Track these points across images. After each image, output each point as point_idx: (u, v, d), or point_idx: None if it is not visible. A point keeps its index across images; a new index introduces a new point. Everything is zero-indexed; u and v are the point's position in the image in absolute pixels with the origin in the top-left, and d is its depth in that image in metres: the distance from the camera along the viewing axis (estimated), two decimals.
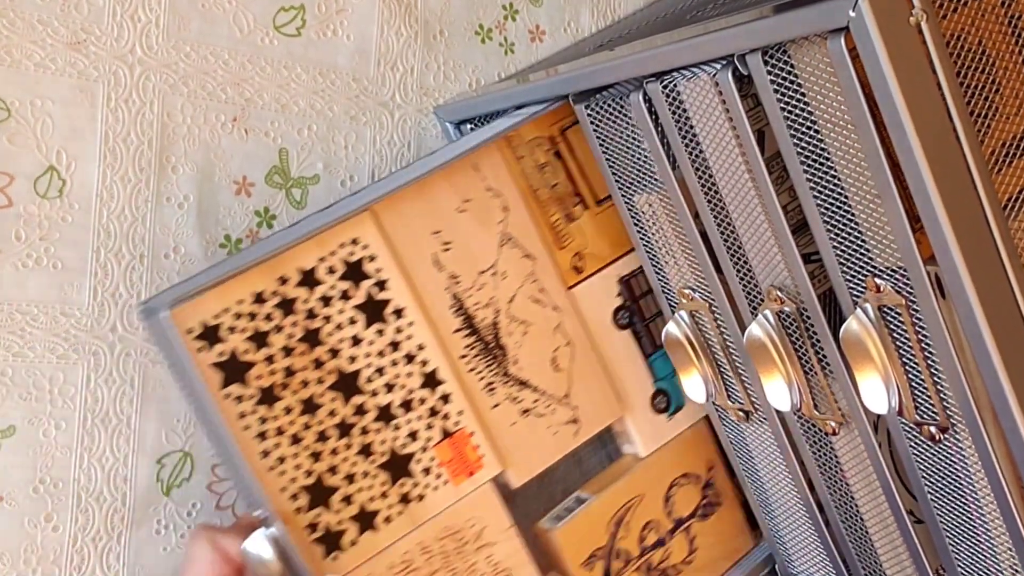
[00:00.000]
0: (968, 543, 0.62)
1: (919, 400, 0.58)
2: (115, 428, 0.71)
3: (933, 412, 0.58)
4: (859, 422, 0.64)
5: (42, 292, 0.69)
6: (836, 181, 0.56)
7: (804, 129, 0.55)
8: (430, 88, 0.84)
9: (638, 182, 0.69)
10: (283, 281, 0.65)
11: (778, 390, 0.65)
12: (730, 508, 0.80)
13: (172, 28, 0.73)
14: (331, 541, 0.65)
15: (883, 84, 0.48)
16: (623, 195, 0.71)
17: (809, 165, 0.56)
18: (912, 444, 0.61)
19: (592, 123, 0.69)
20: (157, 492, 0.73)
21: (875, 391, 0.59)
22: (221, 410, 0.62)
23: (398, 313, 0.68)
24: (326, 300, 0.66)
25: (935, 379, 0.57)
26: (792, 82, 0.54)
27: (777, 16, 0.53)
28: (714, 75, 0.58)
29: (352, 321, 0.66)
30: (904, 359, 0.58)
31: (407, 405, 0.67)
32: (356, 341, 0.66)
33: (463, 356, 0.70)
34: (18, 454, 0.68)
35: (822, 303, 0.61)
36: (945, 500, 0.62)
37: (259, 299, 0.64)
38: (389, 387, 0.67)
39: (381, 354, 0.67)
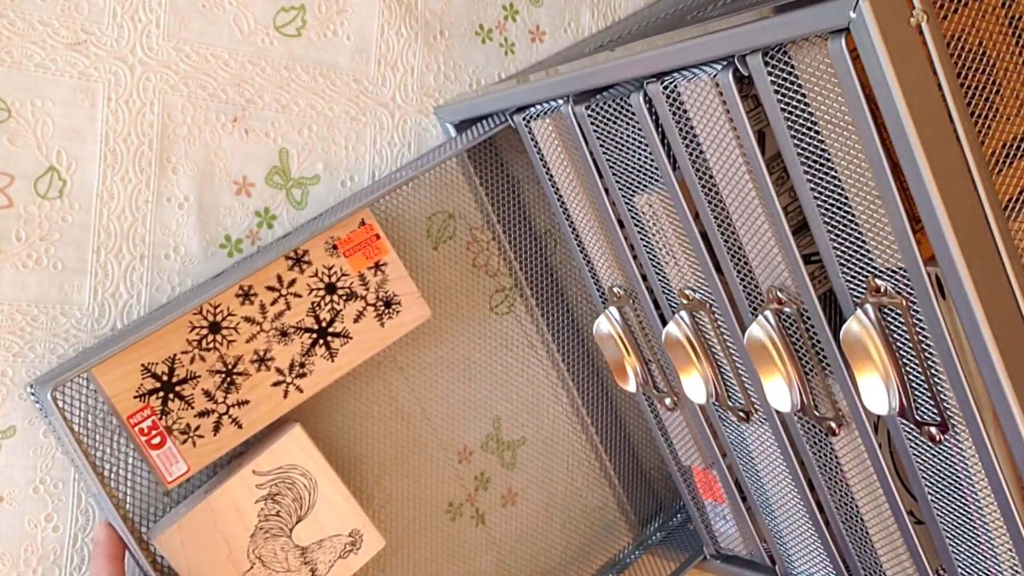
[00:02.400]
0: (968, 543, 0.62)
1: (919, 401, 0.58)
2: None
3: (933, 413, 0.58)
4: (859, 423, 0.64)
5: (42, 292, 0.69)
6: (836, 182, 0.56)
7: (805, 130, 0.55)
8: (430, 88, 0.84)
9: (638, 182, 0.69)
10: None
11: (778, 390, 0.65)
12: None
13: (172, 29, 0.73)
14: None
15: (884, 85, 0.48)
16: (623, 195, 0.71)
17: (810, 166, 0.56)
18: (912, 445, 0.61)
19: (592, 123, 0.69)
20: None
21: (875, 392, 0.59)
22: None
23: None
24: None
25: (935, 380, 0.57)
26: (793, 83, 0.54)
27: (778, 17, 0.53)
28: (715, 76, 0.58)
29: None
30: (904, 360, 0.58)
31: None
32: None
33: None
34: (18, 455, 0.68)
35: (822, 304, 0.61)
36: (945, 500, 0.62)
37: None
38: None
39: None
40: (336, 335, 0.75)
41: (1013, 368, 0.52)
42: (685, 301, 0.71)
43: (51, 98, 0.69)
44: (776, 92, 0.55)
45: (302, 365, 0.73)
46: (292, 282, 0.73)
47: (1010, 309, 0.52)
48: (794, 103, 0.55)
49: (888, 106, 0.49)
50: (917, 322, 0.56)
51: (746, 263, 0.65)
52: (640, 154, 0.68)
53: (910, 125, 0.49)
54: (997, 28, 0.56)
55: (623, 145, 0.69)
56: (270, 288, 0.73)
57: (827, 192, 0.56)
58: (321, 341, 0.74)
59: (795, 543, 0.77)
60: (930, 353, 0.56)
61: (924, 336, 0.56)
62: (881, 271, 0.56)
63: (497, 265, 0.88)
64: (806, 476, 0.72)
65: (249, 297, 0.72)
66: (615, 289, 0.78)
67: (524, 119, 0.76)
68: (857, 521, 0.70)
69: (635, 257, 0.74)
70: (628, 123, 0.67)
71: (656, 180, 0.68)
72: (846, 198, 0.56)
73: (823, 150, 0.55)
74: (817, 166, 0.56)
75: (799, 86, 0.54)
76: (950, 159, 0.50)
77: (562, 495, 0.91)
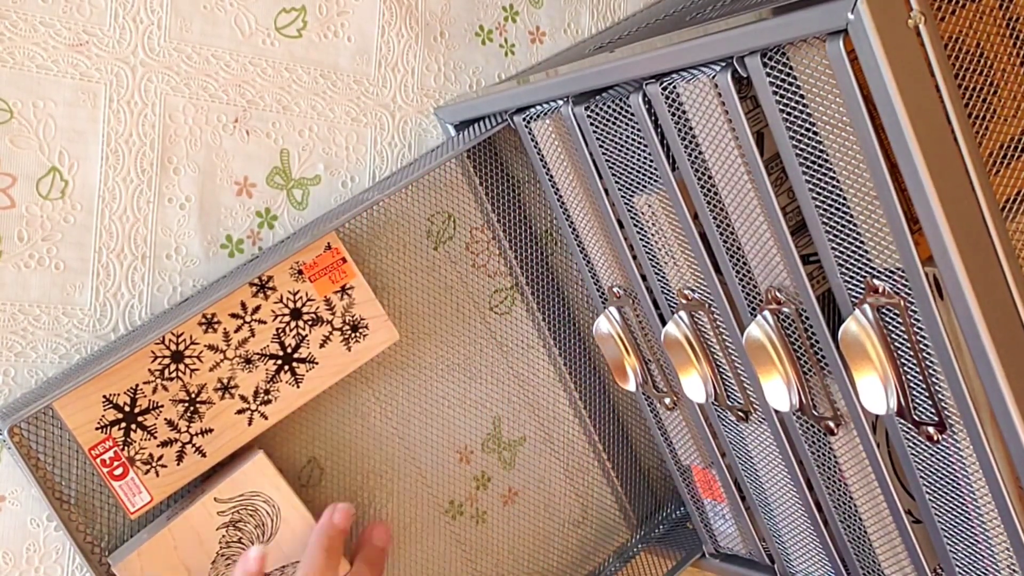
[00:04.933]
0: (966, 543, 0.62)
1: (917, 401, 0.59)
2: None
3: (931, 412, 0.58)
4: (857, 422, 0.64)
5: (44, 292, 0.69)
6: (835, 183, 0.56)
7: (803, 131, 0.56)
8: (431, 89, 0.85)
9: (637, 183, 0.69)
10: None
11: (777, 390, 0.66)
12: None
13: (174, 30, 0.73)
14: None
15: (881, 86, 0.48)
16: (623, 196, 0.71)
17: (808, 167, 0.56)
18: (910, 444, 0.61)
19: (592, 124, 0.70)
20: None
21: (873, 392, 0.59)
22: None
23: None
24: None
25: (933, 380, 0.57)
26: (791, 84, 0.55)
27: (776, 18, 0.53)
28: (713, 77, 0.59)
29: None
30: (902, 360, 0.58)
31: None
32: None
33: None
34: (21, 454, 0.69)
35: (821, 304, 0.62)
36: (943, 500, 0.62)
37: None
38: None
39: None
40: (301, 361, 0.74)
41: (1010, 368, 0.52)
42: (684, 301, 0.71)
43: (53, 99, 0.69)
44: (774, 93, 0.55)
45: (267, 392, 0.73)
46: (256, 308, 0.73)
47: (1008, 309, 0.53)
48: (792, 104, 0.55)
49: (886, 107, 0.49)
50: (915, 322, 0.56)
51: (745, 263, 0.65)
52: (639, 155, 0.68)
53: (908, 126, 0.49)
54: (995, 30, 0.57)
55: (622, 146, 0.69)
56: (234, 315, 0.72)
57: (825, 193, 0.56)
58: (286, 367, 0.74)
59: (794, 542, 0.77)
60: (928, 353, 0.56)
61: (922, 336, 0.56)
62: (879, 271, 0.56)
63: (497, 265, 0.88)
64: (804, 475, 0.72)
65: (212, 325, 0.72)
66: (615, 289, 0.78)
67: (524, 120, 0.77)
68: (855, 520, 0.70)
69: (634, 257, 0.74)
70: (627, 124, 0.67)
71: (655, 181, 0.68)
72: (844, 199, 0.56)
73: (821, 151, 0.55)
74: (815, 167, 0.56)
75: (797, 87, 0.54)
76: (948, 160, 0.50)
77: (562, 495, 0.92)
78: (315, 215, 0.79)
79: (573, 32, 0.93)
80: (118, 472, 0.68)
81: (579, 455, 0.93)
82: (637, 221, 0.71)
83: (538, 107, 0.75)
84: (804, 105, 0.55)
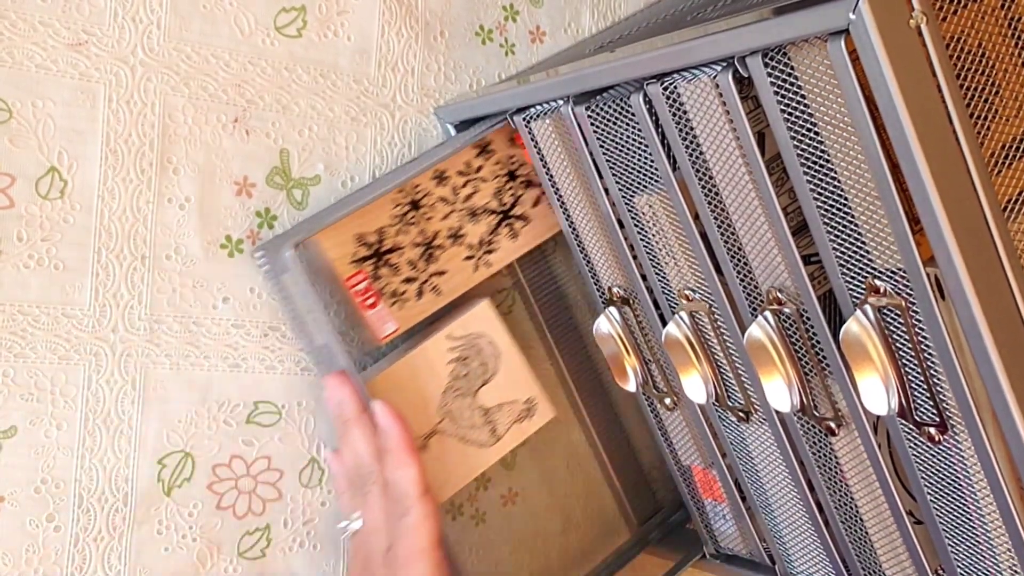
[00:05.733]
0: (967, 544, 0.62)
1: (918, 401, 0.58)
2: (116, 428, 0.71)
3: (932, 413, 0.58)
4: (859, 423, 0.64)
5: (44, 293, 0.69)
6: (836, 183, 0.56)
7: (804, 131, 0.55)
8: (431, 89, 0.84)
9: (638, 183, 0.69)
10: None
11: (778, 391, 0.65)
12: None
13: (173, 29, 0.73)
14: None
15: (883, 86, 0.48)
16: (623, 196, 0.71)
17: (809, 167, 0.56)
18: (911, 445, 0.61)
19: (592, 124, 0.70)
20: (158, 492, 0.73)
21: (875, 392, 0.59)
22: None
23: None
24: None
25: (934, 380, 0.57)
26: (792, 84, 0.55)
27: (777, 18, 0.53)
28: (714, 77, 0.58)
29: None
30: (904, 360, 0.58)
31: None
32: None
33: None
34: (19, 455, 0.69)
35: (822, 304, 0.62)
36: (944, 501, 0.62)
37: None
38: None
39: None
40: (517, 217, 0.82)
41: (1012, 369, 0.52)
42: (685, 301, 0.71)
43: (52, 99, 0.69)
44: (776, 93, 0.55)
45: (489, 243, 0.81)
46: (479, 168, 0.81)
47: (1009, 310, 0.53)
48: (794, 104, 0.55)
49: (887, 107, 0.49)
50: (916, 323, 0.56)
51: (746, 264, 0.65)
52: (640, 155, 0.68)
53: (909, 126, 0.49)
54: (997, 29, 0.57)
55: (623, 146, 0.69)
56: (460, 172, 0.80)
57: (826, 193, 0.56)
58: (505, 222, 0.82)
59: (795, 543, 0.77)
60: (929, 354, 0.56)
61: (923, 337, 0.56)
62: (880, 272, 0.56)
63: None
64: (805, 476, 0.72)
65: (443, 179, 0.79)
66: (615, 289, 0.78)
67: (524, 119, 0.77)
68: (856, 521, 0.70)
69: (635, 257, 0.74)
70: (628, 124, 0.67)
71: (656, 181, 0.68)
72: (845, 199, 0.56)
73: (823, 151, 0.55)
74: (817, 167, 0.56)
75: (799, 87, 0.54)
76: (949, 160, 0.50)
77: (562, 495, 0.92)
78: (315, 215, 0.79)
79: (573, 32, 0.93)
80: (369, 302, 0.75)
81: (579, 455, 0.93)
82: (637, 221, 0.71)
83: (538, 107, 0.75)
84: (805, 105, 0.55)
